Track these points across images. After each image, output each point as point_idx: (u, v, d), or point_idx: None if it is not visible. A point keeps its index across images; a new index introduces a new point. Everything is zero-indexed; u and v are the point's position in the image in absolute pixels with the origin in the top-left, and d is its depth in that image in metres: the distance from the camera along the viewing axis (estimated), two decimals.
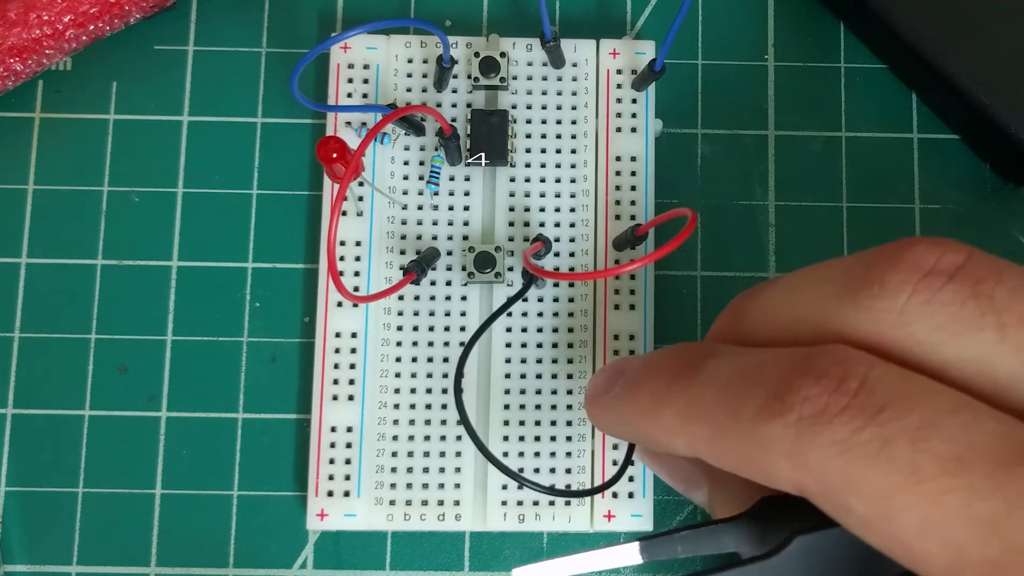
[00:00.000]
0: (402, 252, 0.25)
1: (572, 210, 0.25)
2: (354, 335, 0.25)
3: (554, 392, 0.25)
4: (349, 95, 0.26)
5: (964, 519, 0.14)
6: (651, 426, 0.18)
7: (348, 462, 0.24)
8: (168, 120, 0.27)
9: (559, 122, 0.26)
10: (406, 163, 0.25)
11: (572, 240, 0.25)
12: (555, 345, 0.25)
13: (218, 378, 0.26)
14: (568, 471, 0.24)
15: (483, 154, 0.25)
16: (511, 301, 0.24)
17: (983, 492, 0.14)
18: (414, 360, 0.25)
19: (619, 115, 0.26)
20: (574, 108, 0.26)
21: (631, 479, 0.24)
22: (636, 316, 0.25)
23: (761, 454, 0.15)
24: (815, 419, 0.15)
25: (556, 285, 0.25)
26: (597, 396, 0.20)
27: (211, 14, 0.27)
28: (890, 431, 0.14)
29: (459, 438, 0.24)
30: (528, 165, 0.25)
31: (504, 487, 0.24)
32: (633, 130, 0.26)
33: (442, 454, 0.24)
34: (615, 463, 0.24)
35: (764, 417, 0.15)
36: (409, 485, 0.24)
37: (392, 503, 0.24)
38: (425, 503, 0.24)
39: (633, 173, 0.25)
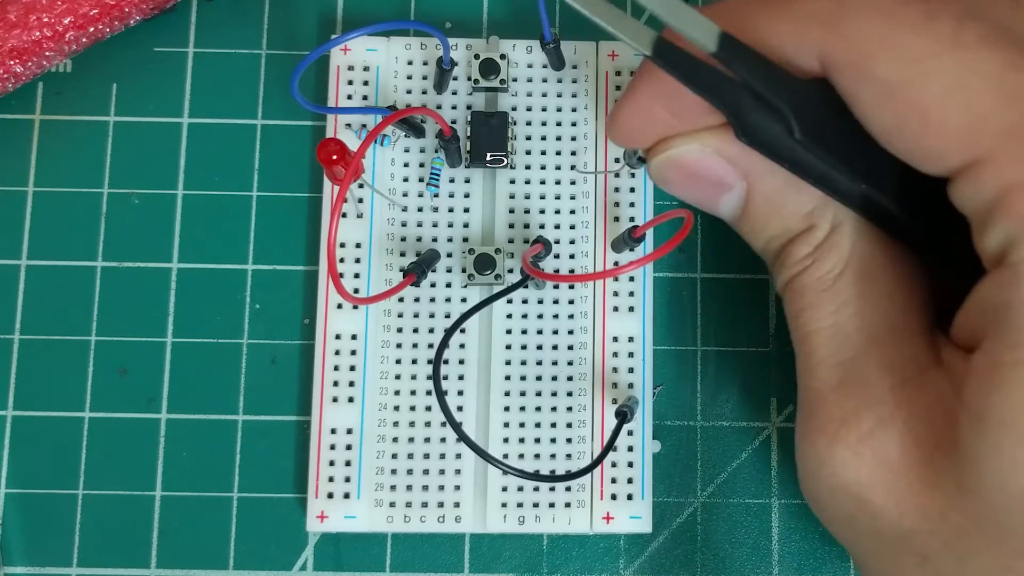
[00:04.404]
0: (402, 254, 0.25)
1: (572, 212, 0.25)
2: (354, 337, 0.25)
3: (554, 394, 0.25)
4: (349, 97, 0.26)
5: (994, 87, 0.15)
6: None
7: (348, 464, 0.24)
8: (168, 122, 0.27)
9: (559, 124, 0.26)
10: (406, 165, 0.25)
11: (572, 242, 0.25)
12: (555, 347, 0.25)
13: (218, 380, 0.26)
14: (568, 472, 0.24)
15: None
16: (498, 295, 0.24)
17: (1019, 65, 0.15)
18: (414, 362, 0.25)
19: None
20: (574, 110, 0.26)
21: (630, 480, 0.24)
22: (635, 318, 0.25)
23: (796, 22, 0.16)
24: None
25: (556, 287, 0.25)
26: None
27: (211, 16, 0.27)
28: (935, 8, 0.15)
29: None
30: (528, 167, 0.25)
31: (504, 489, 0.24)
32: None
33: (442, 456, 0.24)
34: (614, 465, 0.24)
35: None
36: (409, 487, 0.24)
37: (392, 505, 0.24)
38: (425, 505, 0.24)
39: (632, 175, 0.25)
